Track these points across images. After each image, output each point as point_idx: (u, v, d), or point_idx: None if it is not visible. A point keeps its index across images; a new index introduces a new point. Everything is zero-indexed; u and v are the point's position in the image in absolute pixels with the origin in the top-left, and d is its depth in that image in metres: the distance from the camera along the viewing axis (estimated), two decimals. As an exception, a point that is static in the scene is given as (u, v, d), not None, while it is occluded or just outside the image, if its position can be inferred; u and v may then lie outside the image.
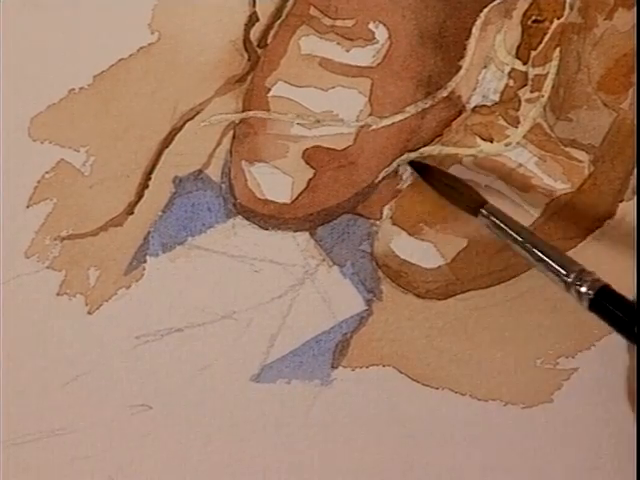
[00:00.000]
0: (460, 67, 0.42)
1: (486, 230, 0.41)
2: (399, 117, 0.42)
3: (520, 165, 0.43)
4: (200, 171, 0.42)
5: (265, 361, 0.43)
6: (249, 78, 0.41)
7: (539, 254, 0.39)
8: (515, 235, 0.40)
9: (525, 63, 0.42)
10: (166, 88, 0.41)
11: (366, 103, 0.42)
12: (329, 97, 0.42)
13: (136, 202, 0.42)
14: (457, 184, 0.42)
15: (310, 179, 0.42)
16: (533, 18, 0.42)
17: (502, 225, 0.40)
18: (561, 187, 0.43)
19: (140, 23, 0.41)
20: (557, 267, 0.38)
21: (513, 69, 0.42)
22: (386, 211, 0.43)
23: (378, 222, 0.43)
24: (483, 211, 0.40)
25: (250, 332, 0.43)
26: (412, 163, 0.42)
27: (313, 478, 0.43)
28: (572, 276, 0.37)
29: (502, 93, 0.42)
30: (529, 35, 0.42)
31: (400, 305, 0.43)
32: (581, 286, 0.37)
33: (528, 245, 0.39)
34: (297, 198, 0.42)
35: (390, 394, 0.43)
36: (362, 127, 0.42)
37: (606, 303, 0.36)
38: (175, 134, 0.41)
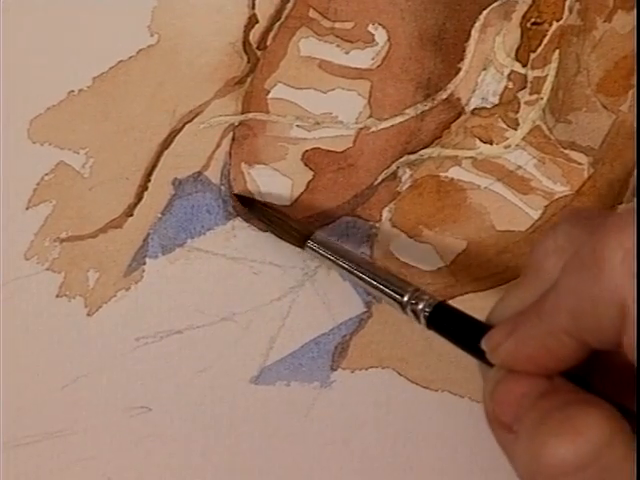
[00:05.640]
0: (459, 69, 0.42)
1: (485, 232, 0.41)
2: (398, 119, 0.42)
3: (519, 167, 0.43)
4: (199, 173, 0.42)
5: (264, 363, 0.43)
6: (248, 80, 0.41)
7: (372, 279, 0.38)
8: (345, 263, 0.39)
9: (524, 65, 0.42)
10: (165, 90, 0.41)
11: (365, 105, 0.42)
12: (328, 99, 0.42)
13: (135, 204, 0.42)
14: (282, 217, 0.41)
15: (309, 181, 0.42)
16: (532, 20, 0.42)
17: (330, 255, 0.39)
18: (560, 189, 0.43)
19: (139, 25, 0.40)
20: (392, 289, 0.37)
21: (512, 71, 0.42)
22: (385, 213, 0.43)
23: (377, 224, 0.43)
24: (310, 242, 0.40)
25: (249, 334, 0.43)
26: (238, 196, 0.42)
27: (312, 480, 0.44)
28: (407, 296, 0.36)
29: (501, 95, 0.42)
30: (528, 37, 0.42)
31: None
32: (417, 305, 0.36)
33: (360, 272, 0.39)
34: (296, 200, 0.42)
35: (389, 396, 0.43)
36: (361, 129, 0.42)
37: (443, 318, 0.35)
38: (174, 136, 0.41)
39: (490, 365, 0.31)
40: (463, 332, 0.34)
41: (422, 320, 0.36)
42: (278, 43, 0.41)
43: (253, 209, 0.41)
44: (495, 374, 0.31)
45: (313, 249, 0.40)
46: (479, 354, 0.32)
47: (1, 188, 0.41)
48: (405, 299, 0.36)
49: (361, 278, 0.39)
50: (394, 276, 0.38)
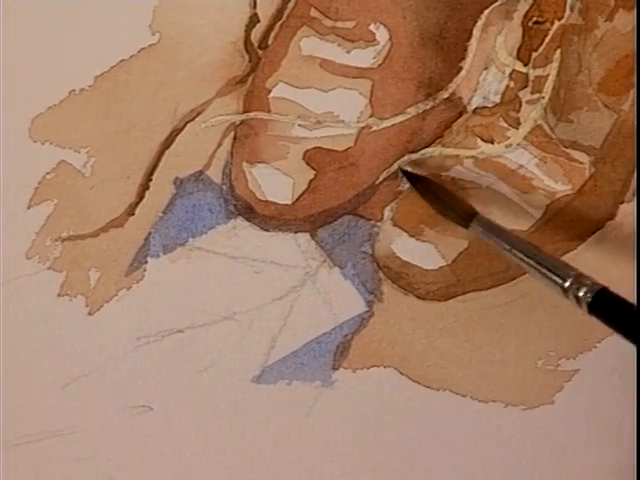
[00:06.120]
0: (461, 68, 0.42)
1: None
2: (400, 118, 0.42)
3: (521, 166, 0.43)
4: (201, 172, 0.42)
5: (266, 362, 0.43)
6: (250, 79, 0.41)
7: (534, 262, 0.38)
8: (508, 244, 0.39)
9: (526, 64, 0.42)
10: (167, 89, 0.41)
11: (367, 104, 0.42)
12: (330, 98, 0.42)
13: (137, 203, 0.42)
14: (448, 195, 0.41)
15: (311, 180, 0.42)
16: (534, 19, 0.42)
17: (494, 236, 0.40)
18: (562, 188, 0.43)
19: (141, 24, 0.41)
20: (554, 273, 0.37)
21: (514, 70, 0.42)
22: (387, 212, 0.43)
23: (379, 223, 0.43)
24: (474, 223, 0.40)
25: (251, 333, 0.43)
26: (405, 172, 0.42)
27: (314, 479, 0.43)
28: (569, 281, 0.36)
29: (503, 94, 0.42)
30: (530, 36, 0.42)
31: (401, 306, 0.43)
32: (579, 290, 0.36)
33: (522, 253, 0.39)
34: (298, 199, 0.42)
35: (391, 395, 0.43)
36: (363, 128, 0.42)
37: (605, 305, 0.35)
38: (176, 135, 0.41)
39: None
40: (626, 319, 0.34)
41: (584, 306, 0.35)
42: (279, 42, 0.41)
43: (419, 185, 0.42)
44: None
45: (477, 228, 0.40)
46: None
47: (2, 187, 0.41)
48: (567, 284, 0.36)
49: (523, 260, 0.38)
50: (557, 260, 0.38)
